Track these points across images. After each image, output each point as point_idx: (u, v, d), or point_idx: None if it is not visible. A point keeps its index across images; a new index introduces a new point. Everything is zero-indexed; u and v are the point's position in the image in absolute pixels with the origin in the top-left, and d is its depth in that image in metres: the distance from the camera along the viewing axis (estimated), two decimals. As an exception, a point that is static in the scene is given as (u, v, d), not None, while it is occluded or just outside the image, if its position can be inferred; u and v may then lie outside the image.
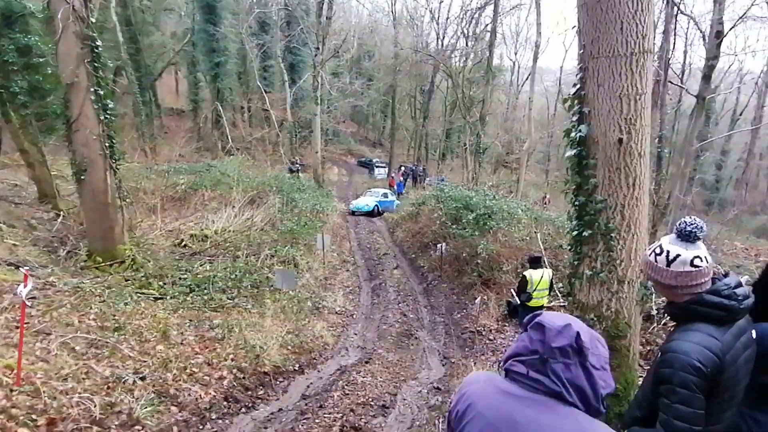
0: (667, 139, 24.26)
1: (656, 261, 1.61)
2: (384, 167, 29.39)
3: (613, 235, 2.30)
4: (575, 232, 2.47)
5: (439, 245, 11.46)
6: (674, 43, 9.83)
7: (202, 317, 6.35)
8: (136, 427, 3.67)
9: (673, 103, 23.45)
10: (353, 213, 19.42)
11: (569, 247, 2.60)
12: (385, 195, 21.28)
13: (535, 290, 7.08)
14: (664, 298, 1.68)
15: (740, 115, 28.20)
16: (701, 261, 1.54)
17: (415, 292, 11.14)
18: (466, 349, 8.12)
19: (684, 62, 20.87)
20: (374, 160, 32.42)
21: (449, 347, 8.41)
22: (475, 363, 7.03)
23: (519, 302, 7.48)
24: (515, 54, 41.86)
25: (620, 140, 2.21)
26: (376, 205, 19.82)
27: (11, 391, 3.27)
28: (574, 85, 2.41)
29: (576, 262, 2.53)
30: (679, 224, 1.59)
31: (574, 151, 2.41)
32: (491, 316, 9.16)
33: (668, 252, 1.58)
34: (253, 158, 21.47)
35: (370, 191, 21.91)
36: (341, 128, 37.55)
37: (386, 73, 31.03)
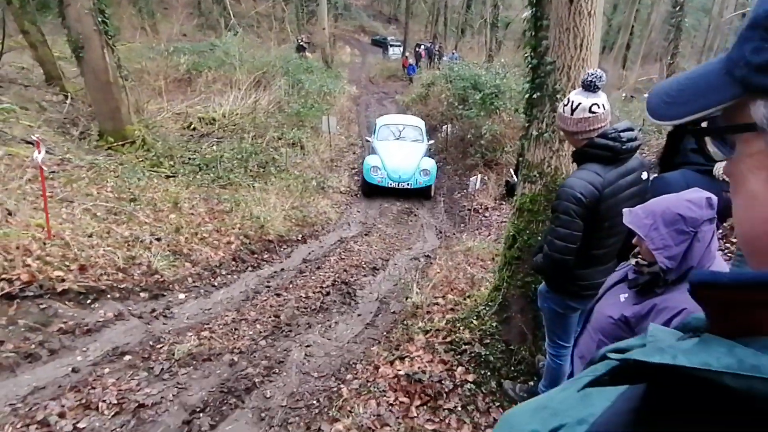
0: (707, 10, 21.70)
1: (563, 111, 1.77)
2: (399, 46, 27.52)
3: (558, 96, 2.40)
4: (527, 95, 2.57)
5: (444, 127, 11.40)
6: None
7: (211, 193, 6.85)
8: (156, 276, 4.32)
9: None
10: (373, 185, 9.15)
11: (523, 111, 2.72)
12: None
13: (529, 169, 7.23)
14: None
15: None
16: (598, 108, 1.70)
17: (420, 173, 11.42)
18: (462, 225, 8.63)
19: None
20: (388, 39, 30.27)
21: (446, 223, 8.94)
22: (466, 235, 7.56)
23: (516, 180, 7.74)
24: None
25: (571, -1, 2.19)
26: (424, 170, 9.14)
27: (44, 243, 3.84)
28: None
29: (527, 125, 2.67)
30: (583, 76, 1.71)
31: (531, 11, 2.40)
32: (490, 195, 9.51)
33: (572, 102, 1.73)
34: (258, 36, 20.40)
35: (390, 128, 10.21)
36: (352, 1, 34.47)
37: (402, -68, 27.38)
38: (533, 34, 2.43)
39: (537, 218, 2.71)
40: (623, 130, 1.72)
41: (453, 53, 22.28)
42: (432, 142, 10.71)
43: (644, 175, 1.82)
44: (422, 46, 24.13)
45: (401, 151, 9.39)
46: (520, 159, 2.81)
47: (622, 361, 0.35)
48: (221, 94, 11.41)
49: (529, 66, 2.51)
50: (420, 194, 9.42)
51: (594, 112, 1.70)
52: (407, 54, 23.36)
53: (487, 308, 3.28)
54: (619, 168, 1.74)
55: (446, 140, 11.47)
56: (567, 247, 1.74)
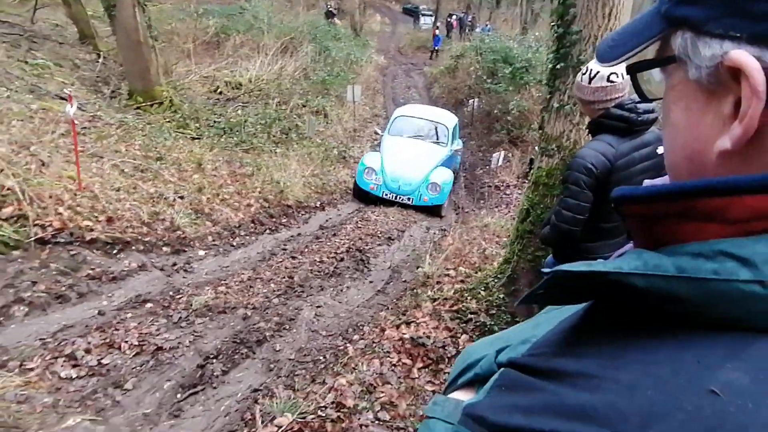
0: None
1: (581, 80, 1.73)
2: (431, 16, 26.77)
3: (582, 67, 2.33)
4: (551, 65, 2.50)
5: (471, 101, 11.18)
6: None
7: (234, 156, 6.97)
8: (178, 232, 4.50)
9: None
10: (366, 193, 7.34)
11: (545, 83, 2.66)
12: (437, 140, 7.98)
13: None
14: None
15: None
16: (617, 77, 1.66)
17: (443, 148, 11.28)
18: (481, 201, 8.57)
19: None
20: (420, 8, 29.48)
21: (466, 199, 8.89)
22: (484, 212, 7.52)
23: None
24: None
25: (603, -39, 2.09)
26: (433, 185, 7.13)
27: (75, 194, 4.03)
28: None
29: (549, 96, 2.61)
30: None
31: (560, -24, 2.31)
32: (512, 172, 9.38)
33: (591, 70, 1.69)
34: (287, 1, 20.12)
35: (408, 122, 8.17)
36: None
37: None
38: (561, 1, 2.35)
39: (552, 192, 2.68)
40: (640, 101, 1.68)
41: (486, 25, 21.57)
42: (460, 148, 8.74)
43: (660, 150, 1.78)
44: (454, 17, 23.41)
45: (411, 153, 7.41)
46: (540, 132, 2.76)
47: (550, 273, 0.38)
48: (248, 58, 11.43)
49: (555, 35, 2.43)
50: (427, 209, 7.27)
51: (612, 82, 1.66)
52: (438, 24, 22.69)
53: (496, 280, 3.31)
54: (634, 141, 1.71)
55: (472, 115, 11.26)
56: (574, 218, 1.74)
